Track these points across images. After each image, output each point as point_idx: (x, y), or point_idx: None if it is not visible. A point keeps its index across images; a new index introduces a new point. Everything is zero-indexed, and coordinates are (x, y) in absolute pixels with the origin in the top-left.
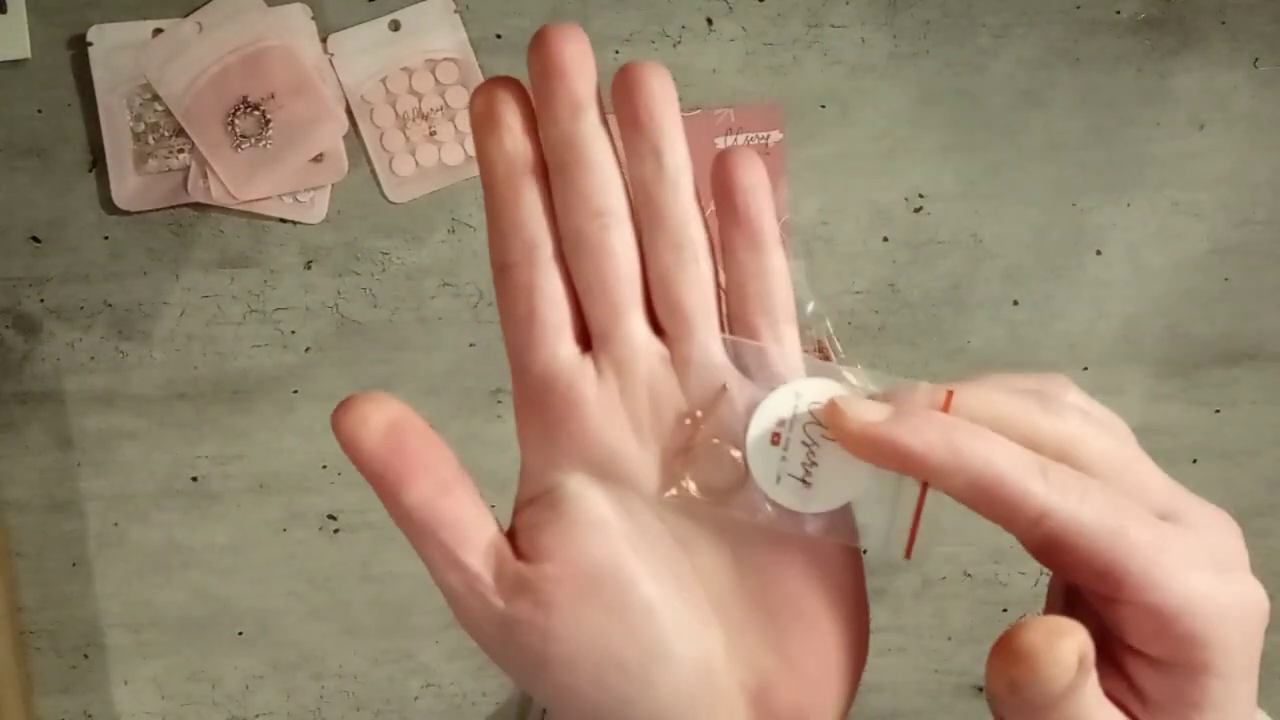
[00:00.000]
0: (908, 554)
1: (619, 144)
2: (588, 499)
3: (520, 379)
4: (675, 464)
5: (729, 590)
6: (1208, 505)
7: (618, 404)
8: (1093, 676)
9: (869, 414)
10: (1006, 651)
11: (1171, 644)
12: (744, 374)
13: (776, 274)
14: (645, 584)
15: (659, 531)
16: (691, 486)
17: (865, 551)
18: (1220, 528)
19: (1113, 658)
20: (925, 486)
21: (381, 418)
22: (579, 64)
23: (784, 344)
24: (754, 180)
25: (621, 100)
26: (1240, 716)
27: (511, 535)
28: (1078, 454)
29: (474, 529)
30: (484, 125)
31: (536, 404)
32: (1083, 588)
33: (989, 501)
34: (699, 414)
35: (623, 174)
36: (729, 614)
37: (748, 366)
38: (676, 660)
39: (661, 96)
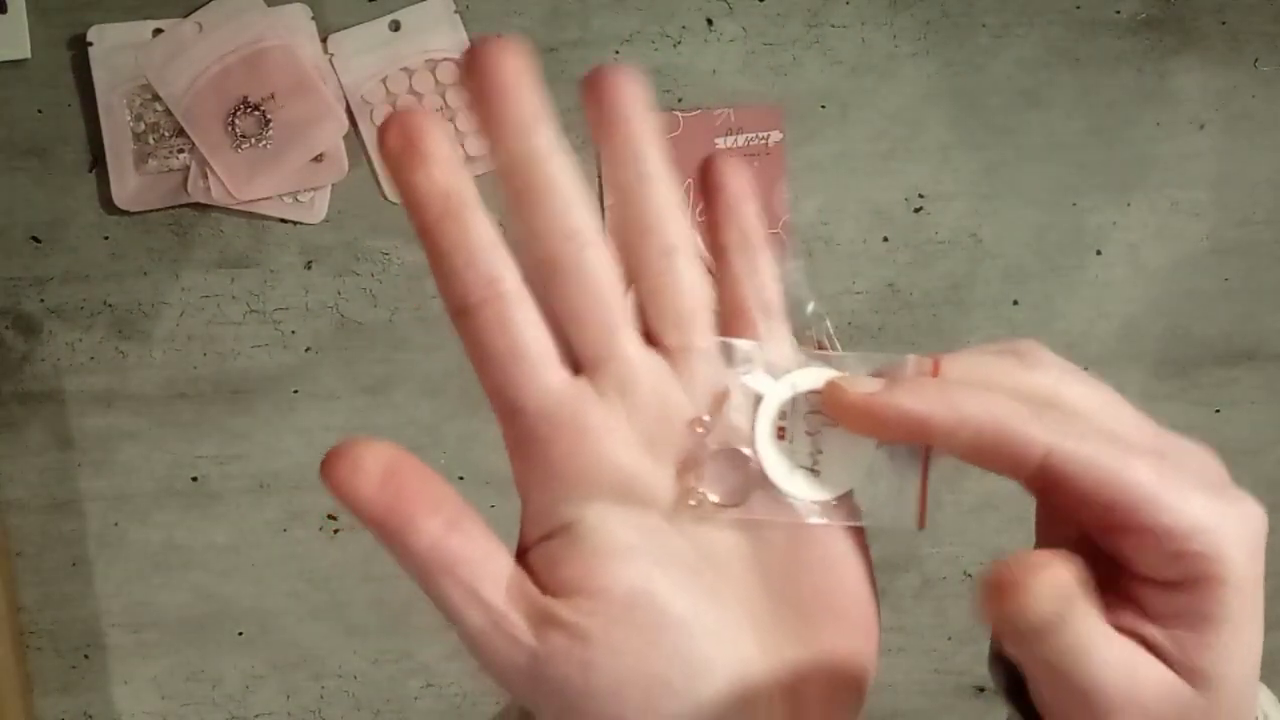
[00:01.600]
0: (921, 524)
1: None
2: (608, 527)
3: (513, 419)
4: (688, 476)
5: (756, 593)
6: (1184, 438)
7: (625, 424)
8: (1086, 606)
9: (867, 386)
10: (989, 586)
11: (1185, 563)
12: (739, 373)
13: (767, 272)
14: (678, 601)
15: (682, 545)
16: (709, 496)
17: (867, 529)
18: (1202, 455)
19: (1120, 590)
20: (928, 454)
21: (376, 461)
22: (522, 77)
23: (776, 338)
24: (743, 184)
25: (595, 104)
26: (1254, 627)
27: (527, 570)
28: (1061, 402)
29: (492, 564)
30: (406, 160)
31: (538, 442)
32: (1088, 524)
33: (994, 451)
34: (706, 420)
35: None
36: (759, 616)
37: (742, 365)
38: (716, 671)
39: (637, 98)
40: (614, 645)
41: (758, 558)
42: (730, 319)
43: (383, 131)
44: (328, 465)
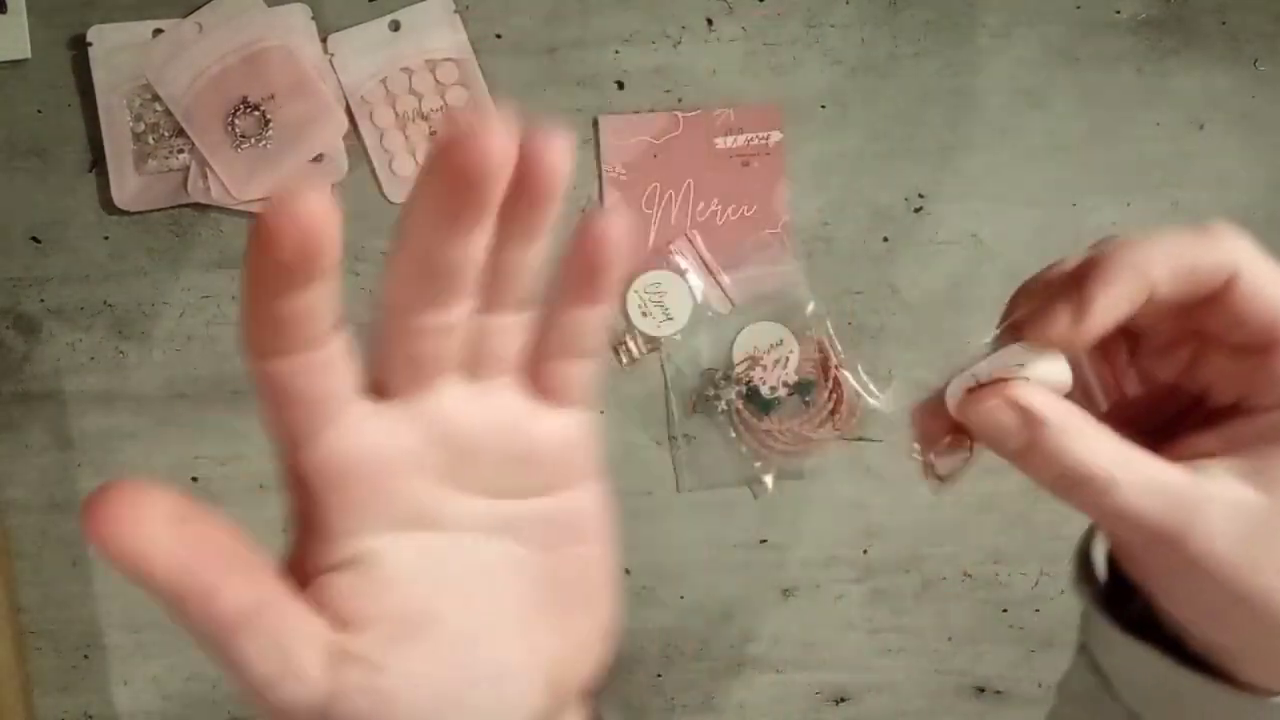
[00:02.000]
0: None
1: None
2: (399, 556)
3: (304, 458)
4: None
5: (523, 596)
6: None
7: (425, 459)
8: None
9: (1064, 318)
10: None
11: None
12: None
13: (594, 325)
14: (462, 620)
15: (459, 562)
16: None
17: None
18: None
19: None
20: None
21: (164, 512)
22: (498, 173)
23: (582, 374)
24: (617, 248)
25: (519, 176)
26: None
27: (312, 604)
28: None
29: (286, 612)
30: (299, 270)
31: (331, 482)
32: (1238, 338)
33: (1192, 285)
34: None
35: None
36: (529, 620)
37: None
38: (494, 679)
39: (553, 176)
40: (406, 670)
41: (524, 563)
42: (536, 362)
43: (271, 226)
44: (96, 519)
